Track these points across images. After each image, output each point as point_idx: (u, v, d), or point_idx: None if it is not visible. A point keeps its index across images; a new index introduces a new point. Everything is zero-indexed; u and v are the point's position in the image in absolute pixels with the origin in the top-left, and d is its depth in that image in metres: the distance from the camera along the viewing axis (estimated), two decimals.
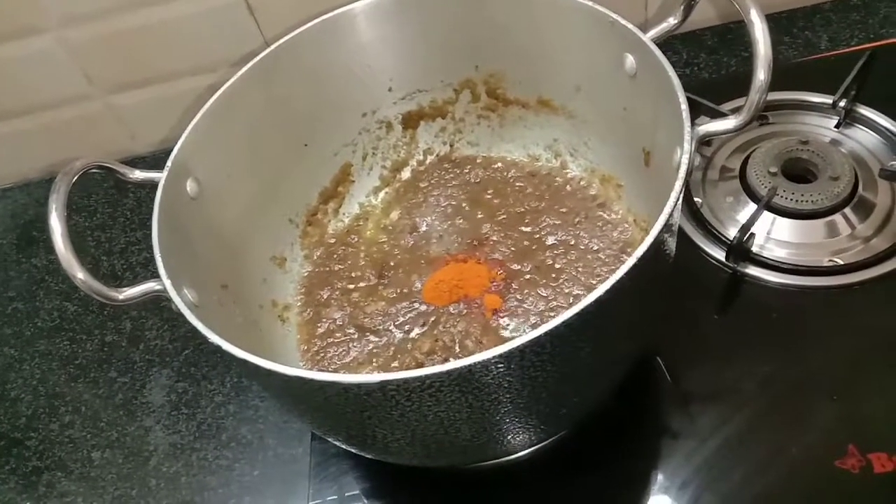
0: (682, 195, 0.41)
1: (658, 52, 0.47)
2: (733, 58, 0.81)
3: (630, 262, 0.38)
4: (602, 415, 0.53)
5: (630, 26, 0.50)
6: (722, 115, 0.66)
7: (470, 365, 0.36)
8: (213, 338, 0.41)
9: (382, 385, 0.37)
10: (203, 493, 0.60)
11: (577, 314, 0.37)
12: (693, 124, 0.43)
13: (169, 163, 0.52)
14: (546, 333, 0.36)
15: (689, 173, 0.42)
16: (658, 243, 0.40)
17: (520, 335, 0.55)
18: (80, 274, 0.44)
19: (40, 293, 0.80)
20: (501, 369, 0.38)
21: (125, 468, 0.64)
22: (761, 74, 0.41)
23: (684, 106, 0.44)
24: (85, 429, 0.67)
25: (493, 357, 0.36)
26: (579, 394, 0.47)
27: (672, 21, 0.49)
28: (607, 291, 0.37)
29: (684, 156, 0.42)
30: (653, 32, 0.49)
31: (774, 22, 0.82)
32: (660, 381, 0.58)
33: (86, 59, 0.81)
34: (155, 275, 0.46)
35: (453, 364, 0.36)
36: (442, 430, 0.42)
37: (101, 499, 0.62)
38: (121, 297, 0.45)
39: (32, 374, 0.73)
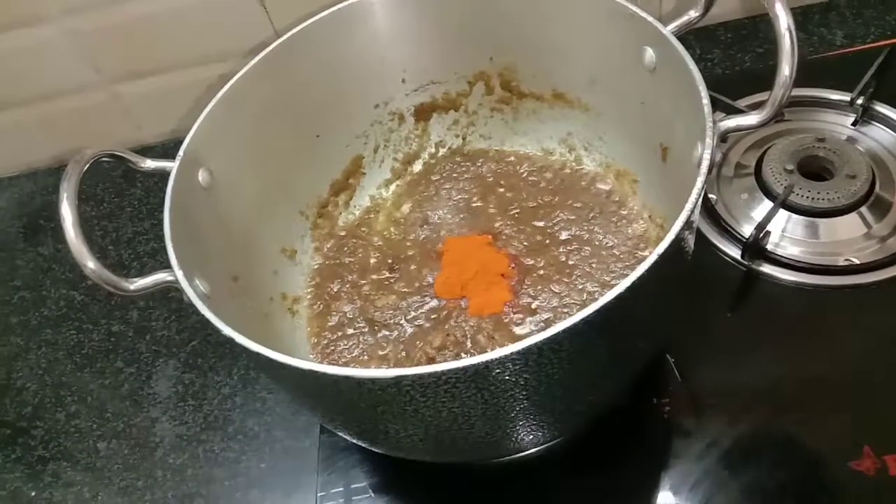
0: (704, 187, 0.41)
1: (679, 46, 0.46)
2: (748, 54, 0.80)
3: (651, 258, 0.37)
4: (611, 412, 0.52)
5: (650, 19, 0.49)
6: (739, 111, 0.66)
7: (487, 361, 0.36)
8: (227, 330, 0.40)
9: (398, 380, 0.37)
10: (209, 486, 0.60)
11: (597, 311, 0.36)
12: (715, 120, 0.42)
13: (181, 152, 0.51)
14: (564, 331, 0.36)
15: (710, 170, 0.41)
16: (679, 240, 0.39)
17: (532, 331, 0.55)
18: (90, 263, 0.43)
19: (47, 282, 0.80)
20: (518, 366, 0.37)
21: (131, 459, 0.63)
22: (786, 69, 0.40)
23: (706, 101, 0.43)
24: (91, 419, 0.67)
25: (511, 354, 0.36)
26: (595, 391, 0.47)
27: (693, 14, 0.48)
28: (628, 288, 0.36)
29: (706, 151, 0.41)
30: (673, 25, 0.49)
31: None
32: (670, 379, 0.57)
33: (92, 49, 0.80)
34: (163, 265, 0.45)
35: (470, 360, 0.36)
36: (456, 427, 0.42)
37: (107, 489, 0.62)
38: (132, 287, 0.44)
39: (38, 363, 0.73)
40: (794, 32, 0.40)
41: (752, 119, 0.42)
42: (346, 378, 0.37)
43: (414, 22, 0.61)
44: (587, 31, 0.56)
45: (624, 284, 0.36)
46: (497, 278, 0.59)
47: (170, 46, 0.81)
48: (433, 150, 0.71)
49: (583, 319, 0.36)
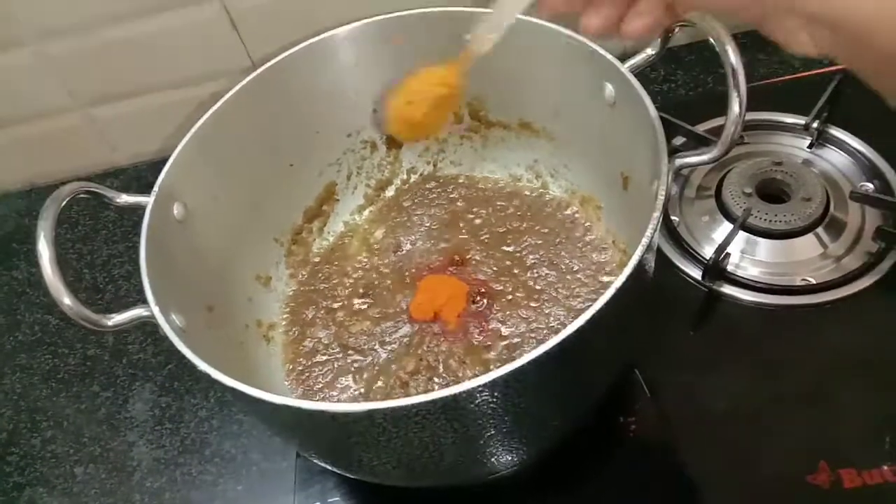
0: (659, 223, 0.42)
1: (637, 84, 0.48)
2: (710, 75, 0.82)
3: (609, 292, 0.39)
4: (583, 429, 0.53)
5: (609, 57, 0.51)
6: (698, 137, 0.68)
7: (455, 394, 0.37)
8: (202, 365, 0.41)
9: (370, 413, 0.38)
10: None
11: (559, 343, 0.38)
12: (670, 157, 0.44)
13: (156, 188, 0.52)
14: (529, 362, 0.37)
15: (666, 204, 0.43)
16: (637, 271, 0.41)
17: (501, 355, 0.57)
18: (67, 300, 0.43)
19: (21, 306, 0.80)
20: (486, 397, 0.39)
21: (108, 483, 0.64)
22: (736, 108, 0.43)
23: (661, 139, 0.45)
24: (67, 444, 0.67)
25: (478, 386, 0.37)
26: (561, 415, 0.49)
27: (650, 52, 0.50)
28: (588, 321, 0.38)
29: (661, 188, 0.43)
30: (631, 63, 0.50)
31: (749, 38, 0.83)
32: (638, 394, 0.59)
33: (66, 73, 0.80)
34: (137, 288, 0.46)
35: (439, 393, 0.37)
36: (427, 454, 0.43)
37: None
38: (109, 323, 0.45)
39: (13, 388, 0.72)
40: (741, 73, 0.42)
41: (704, 156, 0.44)
42: (320, 412, 0.39)
43: (383, 55, 0.62)
44: (551, 66, 0.57)
45: (584, 318, 0.38)
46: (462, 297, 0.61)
47: (144, 70, 0.81)
48: (405, 176, 0.72)
49: (546, 352, 0.38)
